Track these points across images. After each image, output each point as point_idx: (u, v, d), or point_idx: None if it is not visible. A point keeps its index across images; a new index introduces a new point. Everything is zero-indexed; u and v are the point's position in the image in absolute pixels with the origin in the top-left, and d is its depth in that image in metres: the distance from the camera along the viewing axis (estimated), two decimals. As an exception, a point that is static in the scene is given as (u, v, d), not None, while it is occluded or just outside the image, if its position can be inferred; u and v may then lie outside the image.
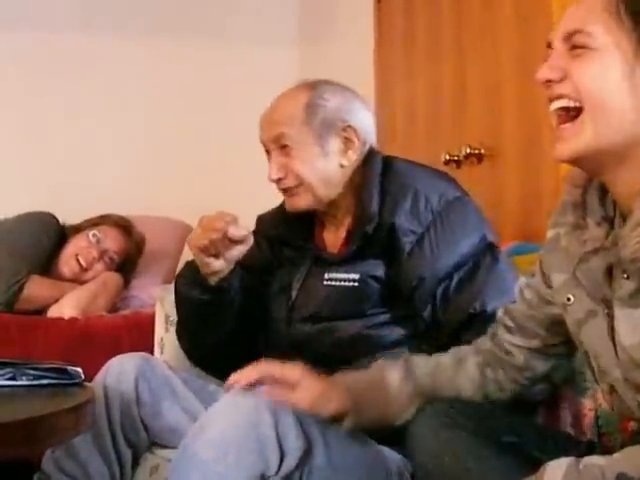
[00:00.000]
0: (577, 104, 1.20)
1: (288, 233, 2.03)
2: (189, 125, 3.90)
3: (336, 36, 3.81)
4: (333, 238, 1.98)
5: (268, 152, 1.97)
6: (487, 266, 1.82)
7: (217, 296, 1.93)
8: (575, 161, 1.24)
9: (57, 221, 3.21)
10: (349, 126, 1.93)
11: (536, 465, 1.20)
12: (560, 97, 1.22)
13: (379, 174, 1.91)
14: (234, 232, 1.84)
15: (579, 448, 1.33)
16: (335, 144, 1.92)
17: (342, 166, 1.92)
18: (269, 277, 2.06)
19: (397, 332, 1.84)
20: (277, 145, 1.93)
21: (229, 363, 1.70)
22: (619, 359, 1.24)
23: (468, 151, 2.68)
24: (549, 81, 1.23)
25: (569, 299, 1.32)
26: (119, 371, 1.95)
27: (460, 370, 1.55)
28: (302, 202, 1.93)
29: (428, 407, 1.43)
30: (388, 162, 1.95)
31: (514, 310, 1.52)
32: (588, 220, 1.29)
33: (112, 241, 3.13)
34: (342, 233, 1.95)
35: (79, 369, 1.80)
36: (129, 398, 1.93)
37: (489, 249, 1.85)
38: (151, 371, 1.97)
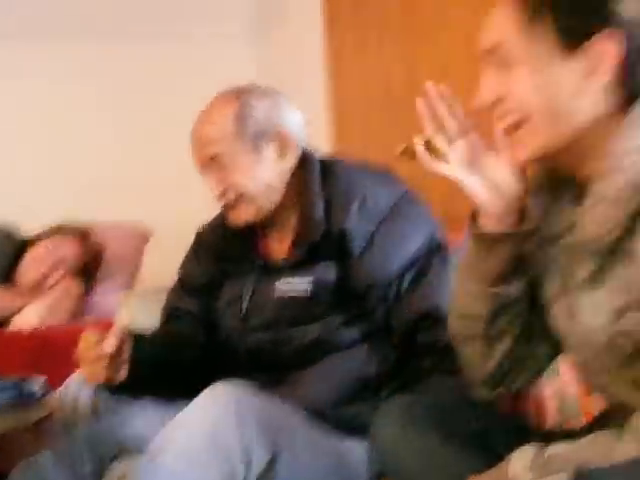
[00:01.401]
0: (523, 115, 1.21)
1: (229, 246, 1.98)
2: (146, 127, 3.87)
3: (288, 28, 3.81)
4: (278, 245, 1.94)
5: (204, 171, 1.92)
6: (437, 266, 1.81)
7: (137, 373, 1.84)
8: (536, 158, 1.24)
9: (14, 232, 3.21)
10: (280, 131, 1.88)
11: (500, 456, 1.20)
12: (506, 114, 1.23)
13: (319, 177, 1.88)
14: (110, 346, 1.77)
15: (541, 436, 1.32)
16: (270, 151, 1.88)
17: (281, 171, 1.88)
18: (217, 291, 2.01)
19: (353, 332, 1.82)
20: (212, 163, 1.88)
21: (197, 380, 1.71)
22: (582, 341, 1.23)
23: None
24: (490, 103, 1.24)
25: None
26: (79, 383, 1.93)
27: None
28: (245, 215, 1.89)
29: (391, 402, 1.41)
30: (327, 165, 1.92)
31: None
32: (553, 205, 1.29)
33: (69, 249, 3.12)
34: (288, 239, 1.91)
35: (37, 384, 1.77)
36: (91, 410, 1.90)
37: (437, 249, 1.83)
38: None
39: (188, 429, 1.55)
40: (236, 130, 1.86)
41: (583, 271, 1.21)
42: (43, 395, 1.79)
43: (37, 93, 3.78)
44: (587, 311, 1.21)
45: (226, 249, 1.99)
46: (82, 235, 3.17)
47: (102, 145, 3.84)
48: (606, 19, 1.16)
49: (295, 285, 1.83)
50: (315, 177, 1.88)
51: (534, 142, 1.22)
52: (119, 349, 1.78)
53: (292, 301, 1.84)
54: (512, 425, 1.45)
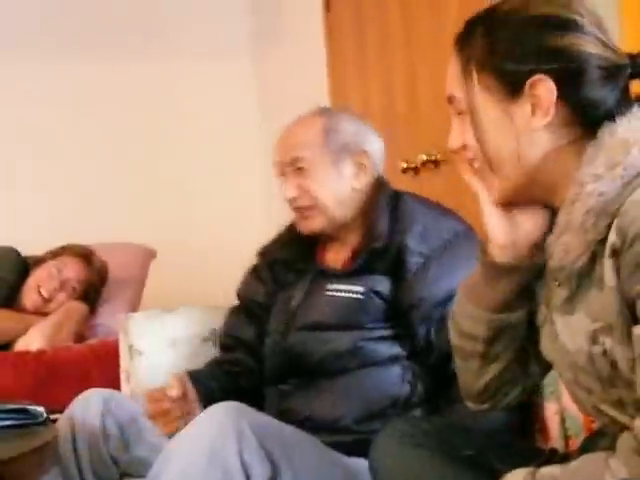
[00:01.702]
0: (483, 160, 1.27)
1: (290, 255, 2.09)
2: (149, 148, 3.88)
3: (288, 45, 3.82)
4: (334, 257, 2.03)
5: (282, 175, 2.03)
6: None
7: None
8: (507, 201, 1.29)
9: (18, 254, 3.21)
10: (364, 151, 2.00)
11: (496, 478, 1.21)
12: (472, 160, 1.30)
13: (389, 202, 1.98)
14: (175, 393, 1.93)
15: (540, 457, 1.34)
16: (349, 168, 1.99)
17: (354, 189, 1.99)
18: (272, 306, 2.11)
19: (393, 349, 1.88)
20: (293, 168, 2.00)
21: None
22: (567, 363, 1.26)
23: (425, 158, 2.70)
24: (459, 149, 1.31)
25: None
26: (85, 407, 1.94)
27: None
28: (315, 224, 2.00)
29: (388, 426, 1.42)
30: (398, 194, 2.02)
31: None
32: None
33: (73, 270, 3.12)
34: (347, 252, 2.01)
35: (41, 408, 1.78)
36: (96, 433, 1.91)
37: None
38: (117, 406, 1.96)
39: (187, 448, 1.57)
40: (322, 141, 1.98)
41: (558, 297, 1.25)
42: (48, 419, 1.79)
43: (38, 113, 3.79)
44: (566, 335, 1.24)
45: (287, 258, 2.09)
46: (86, 256, 3.17)
47: (105, 165, 3.84)
48: (539, 61, 1.21)
49: (347, 290, 1.92)
50: (385, 202, 1.98)
51: (500, 184, 1.27)
52: (184, 395, 1.92)
53: (341, 303, 1.92)
54: (509, 445, 1.46)
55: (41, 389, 2.59)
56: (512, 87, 1.23)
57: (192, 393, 1.95)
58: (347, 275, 1.95)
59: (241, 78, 4.02)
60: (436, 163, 2.69)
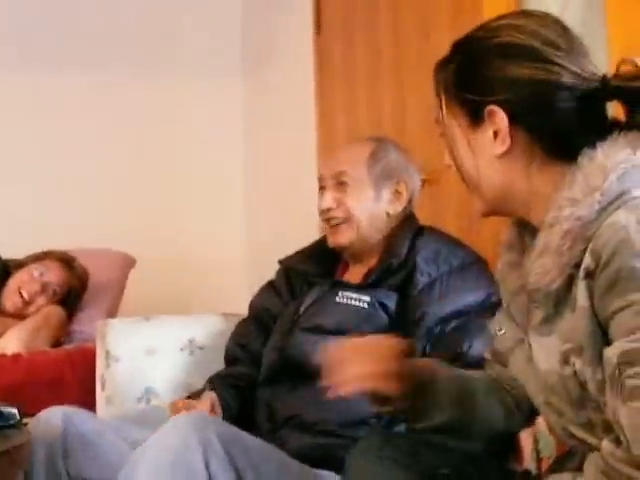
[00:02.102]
0: (463, 179, 1.34)
1: (310, 269, 2.17)
2: (132, 156, 3.88)
3: (277, 67, 3.83)
4: (352, 275, 2.11)
5: (322, 187, 2.13)
6: (485, 319, 1.87)
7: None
8: (488, 215, 1.35)
9: (-1, 257, 3.19)
10: (403, 181, 2.11)
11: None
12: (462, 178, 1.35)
13: (413, 233, 2.08)
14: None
15: (513, 478, 1.34)
16: (387, 193, 2.10)
17: (388, 214, 2.10)
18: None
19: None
20: (335, 181, 2.10)
21: None
22: (540, 385, 1.27)
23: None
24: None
25: (500, 329, 1.37)
26: (45, 424, 1.90)
27: (490, 386, 1.49)
28: (345, 238, 2.09)
29: (364, 442, 1.41)
30: (422, 227, 2.14)
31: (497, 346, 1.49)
32: (525, 256, 1.32)
33: (54, 275, 3.11)
34: (364, 271, 2.08)
35: (14, 410, 1.76)
36: (55, 451, 1.88)
37: (492, 307, 1.87)
38: (80, 423, 1.93)
39: (151, 458, 1.56)
40: (368, 163, 2.10)
41: (536, 318, 1.26)
42: (20, 422, 1.78)
43: (22, 117, 3.79)
44: (541, 355, 1.26)
45: (305, 271, 2.19)
46: (68, 262, 3.16)
47: (88, 171, 3.83)
48: (494, 91, 1.24)
49: (355, 298, 2.00)
50: (409, 232, 2.09)
51: (478, 201, 1.33)
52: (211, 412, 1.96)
53: (346, 310, 1.99)
54: (485, 466, 1.46)
55: (16, 393, 2.56)
56: (473, 115, 1.27)
57: (218, 411, 1.99)
58: (359, 287, 2.02)
59: (229, 97, 4.04)
60: (421, 183, 2.70)
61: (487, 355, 1.54)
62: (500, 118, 1.23)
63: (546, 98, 1.22)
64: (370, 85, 3.06)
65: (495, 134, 1.24)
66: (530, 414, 1.47)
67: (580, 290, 1.16)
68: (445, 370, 1.47)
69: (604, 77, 1.23)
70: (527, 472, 1.46)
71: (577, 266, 1.17)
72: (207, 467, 1.54)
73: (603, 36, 1.90)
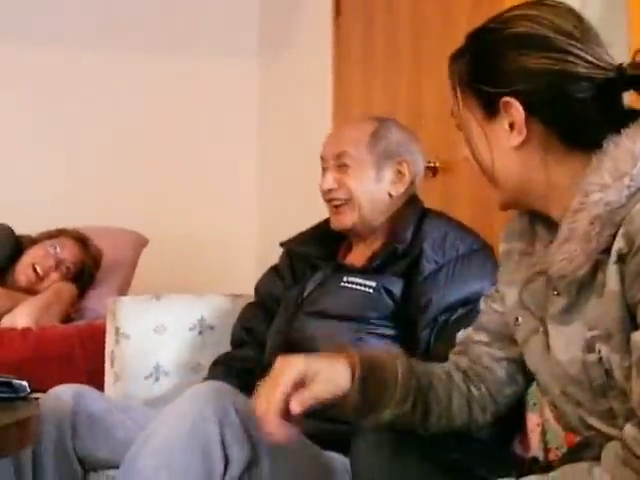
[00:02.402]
0: (481, 172, 1.33)
1: (312, 251, 2.16)
2: (145, 136, 3.88)
3: (295, 49, 3.82)
4: (355, 258, 2.09)
5: (324, 168, 2.11)
6: None
7: None
8: (508, 208, 1.35)
9: (12, 231, 3.20)
10: (405, 161, 2.08)
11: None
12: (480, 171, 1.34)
13: (417, 216, 2.05)
14: None
15: (522, 466, 1.34)
16: (389, 174, 2.07)
17: (390, 195, 2.07)
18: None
19: (391, 348, 1.87)
20: (337, 162, 2.08)
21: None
22: (556, 375, 1.25)
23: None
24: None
25: (517, 320, 1.35)
26: (55, 402, 1.92)
27: (451, 380, 1.46)
28: (347, 220, 2.07)
29: (369, 428, 1.41)
30: (427, 210, 2.11)
31: (487, 323, 1.49)
32: (536, 245, 1.33)
33: (69, 252, 3.13)
34: (368, 254, 2.06)
35: (25, 382, 1.77)
36: (64, 429, 1.90)
37: None
38: (89, 402, 1.95)
39: (167, 426, 1.57)
40: (369, 142, 2.07)
41: (556, 306, 1.25)
42: (31, 394, 1.79)
43: (37, 95, 3.78)
44: (560, 344, 1.24)
45: (308, 253, 2.17)
46: (83, 240, 3.18)
47: (102, 152, 3.83)
48: (509, 82, 1.23)
49: (360, 284, 1.98)
50: (413, 214, 2.06)
51: (497, 193, 1.31)
52: None
53: (351, 295, 1.98)
54: (493, 452, 1.46)
55: (24, 367, 2.57)
56: (489, 107, 1.26)
57: None
58: (364, 271, 2.01)
59: (246, 76, 4.03)
60: (434, 171, 2.70)
61: (472, 334, 1.51)
62: (516, 110, 1.22)
63: (562, 89, 1.21)
64: (387, 70, 3.05)
65: (511, 126, 1.23)
66: (495, 419, 1.47)
67: (611, 274, 1.15)
68: (401, 365, 1.39)
69: (620, 66, 1.22)
70: (535, 459, 1.46)
71: (604, 252, 1.16)
72: (222, 437, 1.55)
73: (623, 35, 1.89)
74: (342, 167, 2.07)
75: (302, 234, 2.22)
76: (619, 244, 1.14)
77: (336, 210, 2.08)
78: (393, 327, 1.94)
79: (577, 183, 1.20)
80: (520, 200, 1.30)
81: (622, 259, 1.14)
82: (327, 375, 1.31)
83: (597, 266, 1.18)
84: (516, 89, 1.22)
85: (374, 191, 2.06)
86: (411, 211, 2.06)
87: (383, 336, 1.94)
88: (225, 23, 4.01)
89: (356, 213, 2.05)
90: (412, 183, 2.10)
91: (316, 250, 2.15)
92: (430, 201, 2.23)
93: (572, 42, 1.21)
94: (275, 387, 1.27)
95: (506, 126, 1.24)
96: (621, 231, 1.14)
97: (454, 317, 1.91)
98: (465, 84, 1.28)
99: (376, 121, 2.13)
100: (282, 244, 2.24)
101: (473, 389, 1.45)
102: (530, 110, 1.22)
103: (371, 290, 1.96)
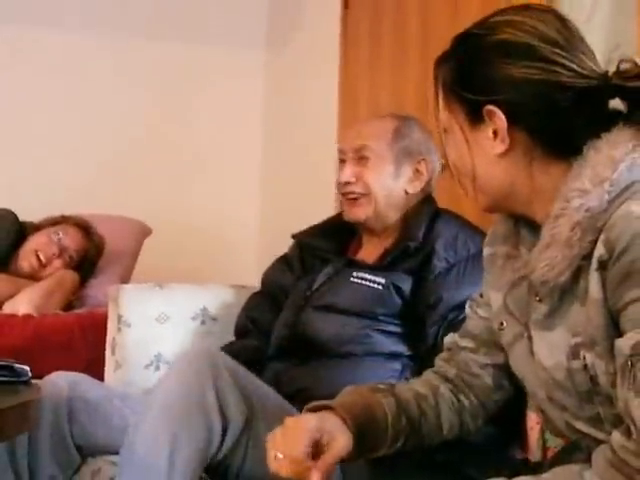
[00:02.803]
0: (462, 176, 1.33)
1: (323, 245, 2.17)
2: (150, 125, 3.86)
3: (302, 41, 3.81)
4: (367, 254, 2.10)
5: (342, 160, 2.12)
6: None
7: None
8: (491, 211, 1.36)
9: (16, 217, 3.20)
10: (424, 160, 2.11)
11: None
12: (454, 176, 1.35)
13: (430, 215, 2.08)
14: None
15: (514, 466, 1.34)
16: (407, 171, 2.10)
17: (406, 193, 2.09)
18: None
19: (398, 346, 1.94)
20: (356, 155, 2.09)
21: None
22: (542, 380, 1.26)
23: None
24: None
25: (502, 324, 1.35)
26: (51, 390, 1.93)
27: (439, 398, 1.46)
28: (361, 213, 2.08)
29: None
30: (439, 209, 2.13)
31: (473, 329, 1.50)
32: (521, 248, 1.33)
33: (72, 240, 3.12)
34: (379, 250, 2.07)
35: (26, 367, 1.78)
36: (62, 417, 1.92)
37: None
38: (85, 389, 1.97)
39: (165, 389, 1.62)
40: (391, 139, 2.09)
41: (539, 311, 1.25)
42: (31, 379, 1.79)
43: (43, 83, 3.76)
44: (544, 350, 1.24)
45: (318, 246, 2.18)
46: (86, 228, 3.18)
47: (105, 139, 3.82)
48: (492, 91, 1.23)
49: (370, 279, 1.99)
50: (427, 214, 2.08)
51: (479, 199, 1.31)
52: None
53: (360, 290, 1.99)
54: (485, 453, 1.46)
55: (25, 353, 2.57)
56: (472, 114, 1.25)
57: None
58: (374, 268, 2.02)
59: (252, 68, 4.02)
60: (441, 166, 2.69)
61: (460, 340, 1.51)
62: (499, 118, 1.22)
63: (545, 98, 1.20)
64: (395, 62, 3.04)
65: (495, 133, 1.23)
66: (487, 421, 1.48)
67: (593, 281, 1.15)
68: (389, 407, 1.40)
69: (605, 74, 1.22)
70: (527, 461, 1.45)
71: (585, 258, 1.16)
72: (218, 396, 1.59)
73: (633, 37, 1.88)
74: (361, 160, 2.08)
75: (314, 227, 2.24)
76: (600, 251, 1.14)
77: (351, 202, 2.10)
78: (400, 324, 1.95)
79: (559, 189, 1.19)
80: (503, 204, 1.30)
81: (603, 266, 1.14)
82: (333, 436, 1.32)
83: (579, 272, 1.18)
84: (499, 98, 1.22)
85: (391, 187, 2.08)
86: (425, 210, 2.09)
87: (390, 333, 1.95)
88: (233, 15, 3.99)
89: (371, 207, 2.07)
90: (429, 182, 2.13)
91: (327, 244, 2.17)
92: (437, 197, 2.23)
93: (556, 50, 1.21)
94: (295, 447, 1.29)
95: (490, 134, 1.24)
96: (602, 237, 1.14)
97: (462, 316, 1.89)
98: (449, 89, 1.28)
99: (399, 119, 2.15)
100: (294, 236, 2.25)
101: (463, 399, 1.46)
102: (514, 119, 1.22)
103: (380, 286, 1.97)
